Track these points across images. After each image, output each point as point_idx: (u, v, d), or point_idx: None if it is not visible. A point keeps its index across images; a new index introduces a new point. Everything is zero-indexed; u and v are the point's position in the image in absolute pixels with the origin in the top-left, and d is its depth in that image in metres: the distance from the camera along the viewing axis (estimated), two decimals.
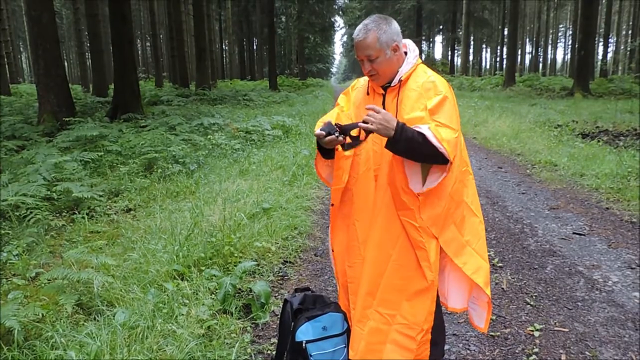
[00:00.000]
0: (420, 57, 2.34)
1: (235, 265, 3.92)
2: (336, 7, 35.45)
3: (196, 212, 4.91)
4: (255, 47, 52.43)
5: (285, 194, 5.86)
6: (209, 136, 9.31)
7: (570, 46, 44.84)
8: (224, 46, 49.14)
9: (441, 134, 2.00)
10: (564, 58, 75.53)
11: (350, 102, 2.41)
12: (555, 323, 3.22)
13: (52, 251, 4.58)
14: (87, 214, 5.41)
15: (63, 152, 7.67)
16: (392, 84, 2.23)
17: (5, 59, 27.65)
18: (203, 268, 3.79)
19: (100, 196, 6.09)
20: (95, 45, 18.44)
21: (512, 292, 3.70)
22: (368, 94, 2.33)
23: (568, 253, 4.48)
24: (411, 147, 1.99)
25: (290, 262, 4.25)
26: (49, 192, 5.63)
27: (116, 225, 5.22)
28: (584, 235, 4.96)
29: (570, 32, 64.38)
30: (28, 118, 11.82)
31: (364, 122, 2.00)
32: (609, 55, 41.66)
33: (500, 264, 4.24)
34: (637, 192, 6.00)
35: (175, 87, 23.71)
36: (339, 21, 46.93)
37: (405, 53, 2.27)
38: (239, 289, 3.57)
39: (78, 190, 5.60)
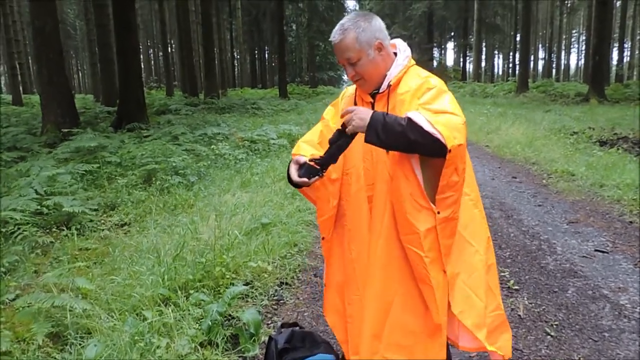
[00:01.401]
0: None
1: (227, 288, 3.62)
2: (346, 14, 35.24)
3: (189, 229, 4.62)
4: (266, 56, 52.44)
5: (287, 208, 5.56)
6: (212, 146, 9.06)
7: (584, 51, 44.11)
8: (235, 55, 49.23)
9: (435, 118, 1.68)
10: (577, 63, 74.80)
11: (337, 115, 2.11)
12: (580, 359, 2.87)
13: (37, 270, 4.31)
14: (77, 230, 5.15)
15: (62, 163, 7.45)
16: (381, 90, 1.94)
17: (19, 70, 27.97)
18: (191, 291, 3.49)
19: (95, 210, 5.84)
20: (104, 54, 18.35)
21: (530, 320, 3.34)
22: (356, 103, 2.03)
23: (590, 273, 4.11)
24: (392, 131, 1.68)
25: (287, 284, 3.94)
26: (39, 207, 5.38)
27: (107, 241, 4.95)
28: (607, 252, 4.59)
29: (584, 38, 63.63)
30: (32, 128, 11.69)
31: (342, 126, 1.76)
32: (624, 60, 40.94)
33: (516, 287, 3.89)
34: None
35: (185, 96, 23.63)
36: None
37: (395, 54, 1.97)
38: (229, 316, 3.26)
39: (69, 204, 5.34)
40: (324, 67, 49.36)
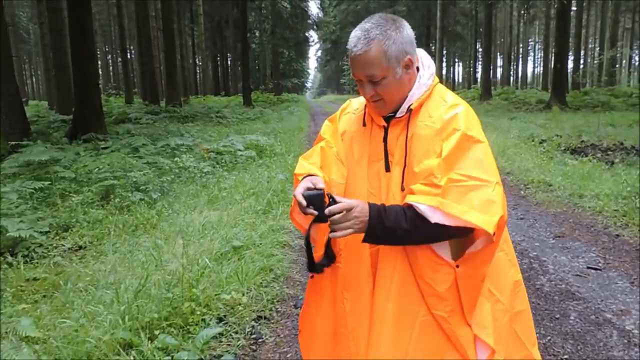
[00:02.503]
0: None
1: (197, 325, 3.19)
2: (310, 22, 35.00)
3: (152, 255, 4.15)
4: (229, 63, 51.75)
5: (259, 227, 5.13)
6: (176, 158, 8.54)
7: (541, 60, 45.24)
8: (197, 62, 48.32)
9: (463, 203, 1.40)
10: (533, 71, 76.89)
11: (337, 136, 1.74)
12: None
13: None
14: (25, 257, 4.60)
15: (8, 180, 6.80)
16: (398, 115, 1.59)
17: None
18: (157, 332, 3.05)
19: (46, 232, 5.27)
20: (59, 60, 17.46)
21: None
22: (364, 125, 1.67)
23: (589, 294, 3.86)
24: (398, 236, 1.45)
25: (265, 318, 3.52)
26: None
27: (59, 269, 4.42)
28: (600, 270, 4.36)
29: (540, 46, 65.52)
30: None
31: (331, 232, 1.47)
32: (580, 68, 42.11)
33: None
34: None
35: (146, 104, 22.81)
36: (313, 36, 46.57)
37: (417, 69, 1.62)
38: None
39: (15, 228, 4.78)
40: (288, 74, 49.11)
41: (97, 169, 7.35)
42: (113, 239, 5.15)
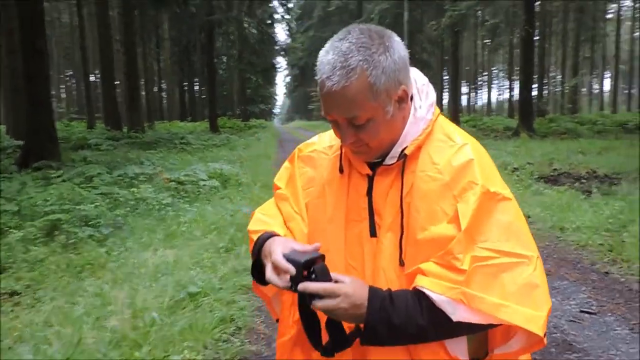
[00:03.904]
0: None
1: None
2: (278, 48, 34.92)
3: (95, 303, 3.58)
4: (196, 88, 51.21)
5: (220, 269, 4.61)
6: (133, 189, 7.94)
7: (506, 87, 46.34)
8: (163, 86, 47.59)
9: (491, 289, 1.00)
10: (497, 98, 78.81)
11: (297, 186, 1.28)
12: None
13: None
14: None
15: None
16: (388, 161, 1.14)
17: None
18: None
19: None
20: (13, 82, 16.67)
21: None
22: (342, 171, 1.21)
23: (588, 345, 3.48)
24: (408, 336, 1.04)
25: None
26: None
27: None
28: (595, 314, 4.00)
29: (504, 74, 67.34)
30: None
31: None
32: (544, 95, 43.26)
33: None
34: (634, 252, 5.14)
35: (108, 129, 22.01)
36: (281, 62, 46.57)
37: (411, 98, 1.17)
38: None
39: None
40: (256, 100, 48.79)
41: (43, 201, 6.70)
42: (54, 282, 4.56)
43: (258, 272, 1.17)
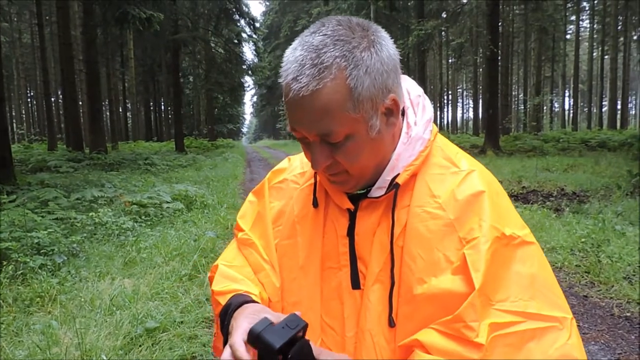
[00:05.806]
0: None
1: None
2: (245, 67, 34.69)
3: (40, 345, 3.24)
4: (162, 108, 50.49)
5: (182, 300, 4.31)
6: (92, 213, 7.54)
7: (471, 105, 47.12)
8: (128, 106, 46.80)
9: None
10: (462, 117, 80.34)
11: (267, 226, 1.03)
12: None
13: None
14: None
15: None
16: (375, 193, 0.91)
17: None
18: None
19: None
20: None
21: None
22: (316, 205, 0.97)
23: None
24: None
25: None
26: None
27: None
28: None
29: (468, 93, 68.74)
30: None
31: None
32: (508, 113, 44.27)
33: None
34: (612, 273, 5.05)
35: (69, 151, 21.33)
36: (248, 81, 46.34)
37: (403, 112, 0.94)
38: None
39: None
40: (223, 119, 48.38)
41: None
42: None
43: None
